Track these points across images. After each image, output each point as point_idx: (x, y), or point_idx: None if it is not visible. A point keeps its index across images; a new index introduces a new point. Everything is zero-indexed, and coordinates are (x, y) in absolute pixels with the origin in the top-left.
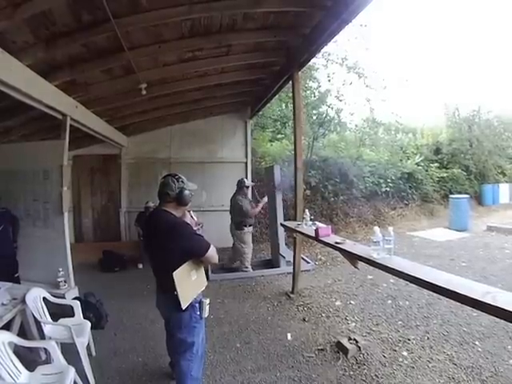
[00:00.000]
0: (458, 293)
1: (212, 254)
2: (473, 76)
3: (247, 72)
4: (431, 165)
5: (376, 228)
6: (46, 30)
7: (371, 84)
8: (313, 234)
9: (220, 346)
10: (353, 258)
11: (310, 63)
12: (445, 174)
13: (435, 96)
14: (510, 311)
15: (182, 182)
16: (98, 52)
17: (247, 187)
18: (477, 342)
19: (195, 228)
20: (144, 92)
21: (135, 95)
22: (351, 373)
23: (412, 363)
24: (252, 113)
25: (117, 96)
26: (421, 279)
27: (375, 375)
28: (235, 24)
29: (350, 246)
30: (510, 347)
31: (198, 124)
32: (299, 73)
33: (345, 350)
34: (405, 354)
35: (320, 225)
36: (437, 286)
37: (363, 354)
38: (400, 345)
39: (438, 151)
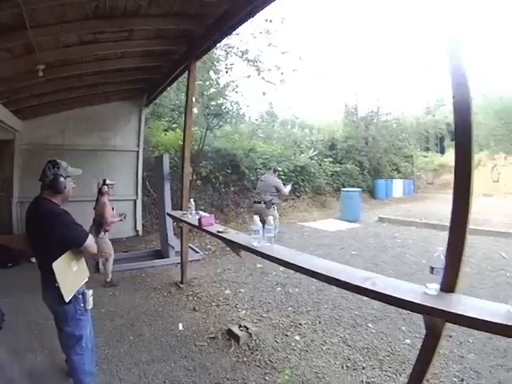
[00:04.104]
0: (337, 279)
1: (90, 243)
2: (376, 79)
3: (147, 59)
4: (325, 159)
5: (256, 217)
6: None
7: (270, 78)
8: (197, 224)
9: (113, 339)
10: (235, 246)
11: (214, 55)
12: (338, 169)
13: (337, 95)
14: (387, 295)
15: (58, 168)
16: None
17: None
18: (370, 325)
19: (117, 219)
20: (41, 74)
21: (34, 76)
22: (244, 359)
23: (305, 347)
24: (148, 101)
25: (15, 77)
26: (301, 266)
27: (269, 360)
28: (140, 9)
29: (232, 235)
30: (404, 328)
31: (95, 110)
32: (198, 63)
33: (236, 337)
34: (297, 338)
35: (203, 214)
36: (317, 272)
37: (255, 341)
38: (292, 330)
39: (332, 147)
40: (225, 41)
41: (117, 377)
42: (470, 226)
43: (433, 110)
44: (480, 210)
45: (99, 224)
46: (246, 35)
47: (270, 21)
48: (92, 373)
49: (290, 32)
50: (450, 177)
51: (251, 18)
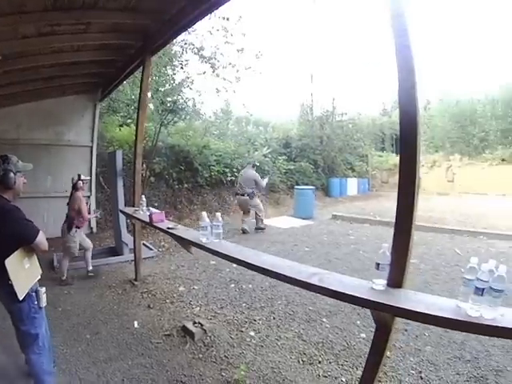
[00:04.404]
0: (284, 275)
1: (41, 240)
2: (334, 80)
3: (102, 52)
4: (279, 157)
5: (204, 213)
6: None
7: (226, 76)
8: (148, 220)
9: (71, 338)
10: (184, 242)
11: (171, 50)
12: (292, 167)
13: (293, 94)
14: (334, 290)
15: (8, 163)
16: None
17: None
18: (324, 319)
19: (93, 215)
20: None
21: None
22: (200, 355)
23: (260, 342)
24: (102, 95)
25: None
26: (249, 262)
27: (225, 356)
28: (98, 2)
29: (181, 231)
30: (358, 322)
31: (50, 104)
32: (154, 58)
33: (191, 334)
34: (252, 334)
35: (154, 211)
36: (265, 268)
37: (210, 337)
38: (246, 325)
39: (287, 145)
40: (181, 37)
41: (76, 376)
42: (426, 223)
43: (389, 112)
44: (435, 208)
45: (72, 220)
46: (202, 32)
47: (227, 19)
48: (51, 372)
49: (246, 30)
50: None
51: (208, 15)
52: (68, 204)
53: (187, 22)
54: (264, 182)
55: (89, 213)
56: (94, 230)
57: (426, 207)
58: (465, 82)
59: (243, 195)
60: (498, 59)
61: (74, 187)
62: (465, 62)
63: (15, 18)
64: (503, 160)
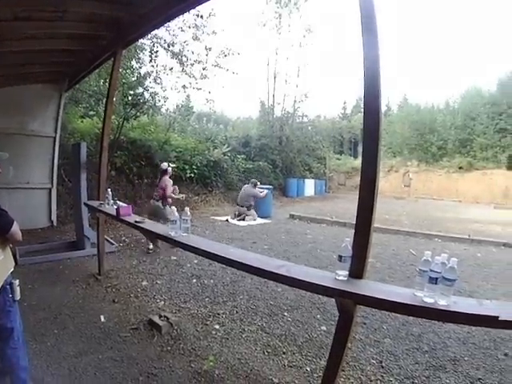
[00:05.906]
0: (253, 266)
1: (16, 230)
2: (296, 82)
3: (74, 42)
4: (238, 156)
5: (173, 208)
6: None
7: (192, 72)
8: (114, 214)
9: (38, 333)
10: (152, 236)
11: (139, 44)
12: (251, 166)
13: (256, 94)
14: (301, 280)
15: None
16: None
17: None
18: (285, 313)
19: (176, 196)
20: None
21: None
22: (169, 348)
23: (226, 335)
24: (69, 86)
25: None
26: (217, 255)
27: (192, 348)
28: None
29: (149, 225)
30: (319, 316)
31: (15, 91)
32: (124, 51)
33: (158, 327)
34: (217, 327)
35: (121, 204)
36: (233, 260)
37: (176, 330)
38: (211, 319)
39: (246, 144)
40: (154, 31)
41: (48, 371)
42: (381, 225)
43: (349, 116)
44: (391, 211)
45: (163, 197)
46: (173, 27)
47: (201, 16)
48: (26, 367)
49: (215, 27)
50: None
51: (184, 14)
52: (157, 186)
53: (164, 17)
54: (263, 193)
55: (173, 193)
56: (55, 223)
57: (382, 210)
58: (426, 89)
59: (242, 206)
60: (461, 67)
61: (165, 172)
62: (427, 70)
63: None
64: (460, 168)
